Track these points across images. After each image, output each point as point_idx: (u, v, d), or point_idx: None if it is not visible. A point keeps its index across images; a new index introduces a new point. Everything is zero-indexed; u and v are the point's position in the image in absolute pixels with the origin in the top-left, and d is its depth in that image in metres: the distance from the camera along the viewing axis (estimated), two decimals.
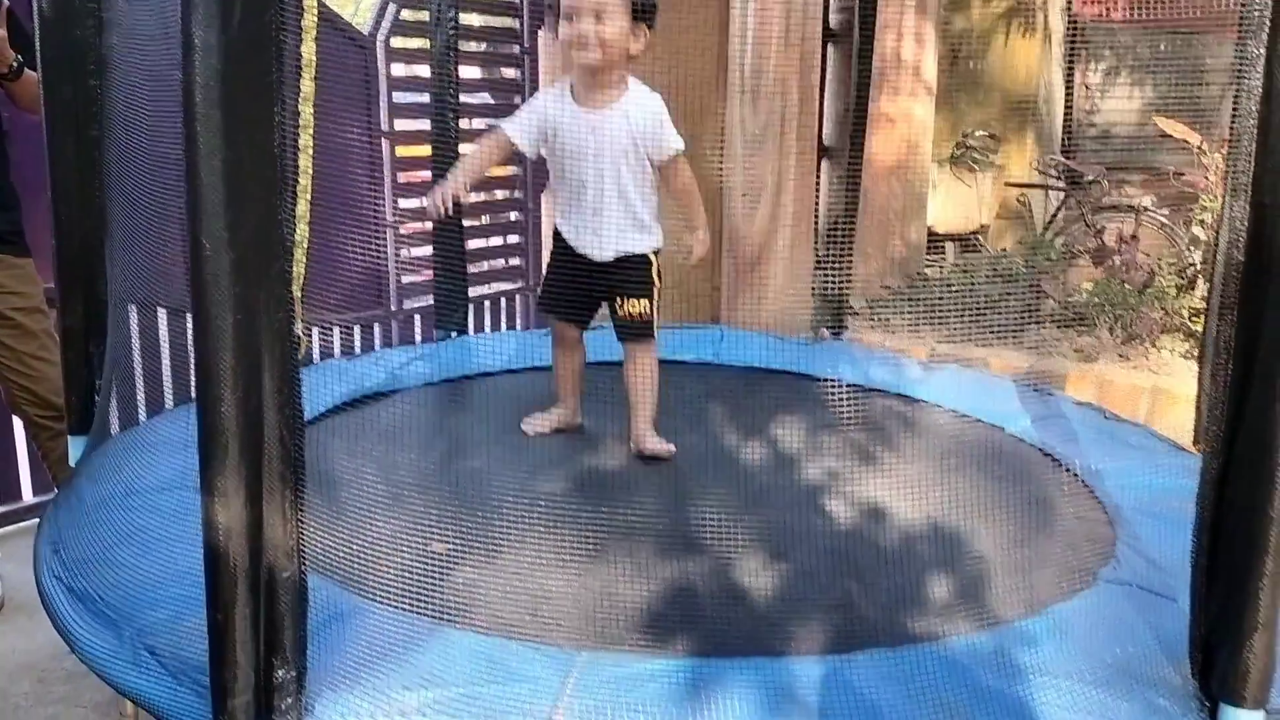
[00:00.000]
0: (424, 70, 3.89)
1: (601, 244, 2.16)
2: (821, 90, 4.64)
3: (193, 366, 1.07)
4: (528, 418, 2.28)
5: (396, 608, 1.41)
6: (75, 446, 1.94)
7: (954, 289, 4.63)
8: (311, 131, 2.41)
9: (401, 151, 4.36)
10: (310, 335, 3.17)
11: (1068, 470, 2.09)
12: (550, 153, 2.21)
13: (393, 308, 4.39)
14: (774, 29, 4.38)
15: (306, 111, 2.39)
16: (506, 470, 1.94)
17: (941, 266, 5.63)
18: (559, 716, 1.23)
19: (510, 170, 5.00)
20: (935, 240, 6.75)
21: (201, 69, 0.99)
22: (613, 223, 2.14)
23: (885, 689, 1.29)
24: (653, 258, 2.20)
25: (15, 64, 2.56)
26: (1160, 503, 1.83)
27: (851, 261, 5.09)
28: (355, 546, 1.47)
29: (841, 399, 2.39)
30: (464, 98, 4.77)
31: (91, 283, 1.90)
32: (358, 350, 4.19)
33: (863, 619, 1.50)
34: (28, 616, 2.81)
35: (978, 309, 4.44)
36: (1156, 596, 1.51)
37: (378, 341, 4.27)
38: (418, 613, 1.40)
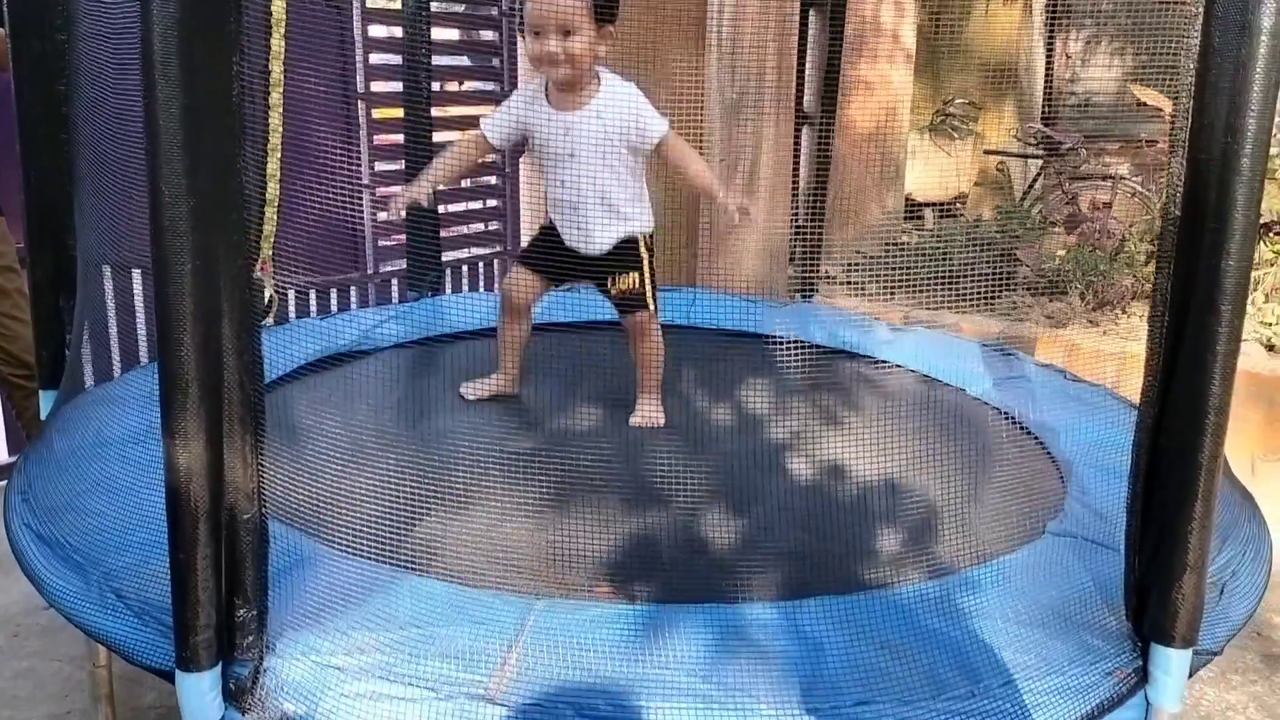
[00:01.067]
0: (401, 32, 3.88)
1: (587, 240, 2.15)
2: (801, 56, 4.65)
3: (154, 312, 1.09)
4: (467, 382, 2.29)
5: (360, 555, 1.44)
6: (46, 401, 1.96)
7: (929, 255, 4.66)
8: (282, 89, 2.43)
9: (379, 114, 4.35)
10: (283, 294, 3.19)
11: (1024, 429, 2.14)
12: (530, 150, 2.21)
13: (369, 270, 4.39)
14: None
15: (276, 69, 2.41)
16: (469, 427, 1.97)
17: (918, 233, 5.67)
18: (514, 657, 1.27)
19: None
20: (914, 207, 6.79)
21: (160, 17, 1.00)
22: (594, 220, 2.14)
23: (831, 632, 1.33)
24: (641, 237, 2.19)
25: None
26: (1111, 458, 1.87)
27: (825, 227, 5.13)
28: (321, 497, 1.50)
29: (808, 360, 2.42)
30: (442, 60, 4.78)
31: (61, 239, 1.92)
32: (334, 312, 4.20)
33: (815, 567, 1.54)
34: (4, 573, 2.84)
35: (951, 275, 4.48)
36: (1100, 547, 1.56)
37: (354, 304, 4.28)
38: (381, 560, 1.43)
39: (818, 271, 4.81)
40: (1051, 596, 1.43)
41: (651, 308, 2.20)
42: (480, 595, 1.38)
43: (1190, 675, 1.33)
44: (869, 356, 2.60)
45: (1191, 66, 1.15)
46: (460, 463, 1.68)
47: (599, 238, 2.15)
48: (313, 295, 4.19)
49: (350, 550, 1.44)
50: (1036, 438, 2.09)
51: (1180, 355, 1.19)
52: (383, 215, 2.05)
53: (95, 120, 1.72)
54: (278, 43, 2.30)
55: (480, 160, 2.32)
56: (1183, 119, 1.17)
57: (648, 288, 2.18)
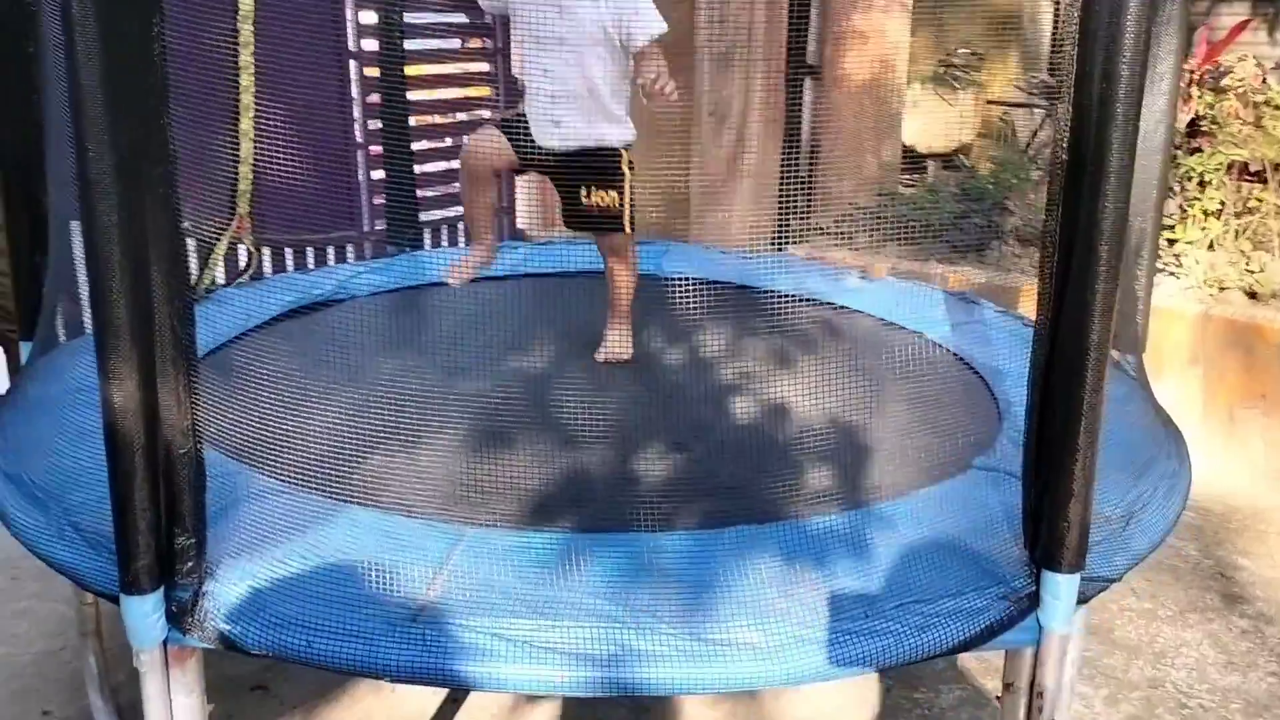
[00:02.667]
0: None
1: (564, 135, 2.05)
2: (794, 6, 4.66)
3: (86, 263, 1.16)
4: (449, 265, 2.26)
5: (300, 488, 1.53)
6: (24, 351, 2.05)
7: (919, 207, 4.69)
8: (252, 50, 2.50)
9: (370, 72, 4.38)
10: (269, 250, 3.27)
11: (972, 370, 2.20)
12: (513, 31, 2.12)
13: (365, 228, 4.46)
14: None
15: (246, 29, 2.48)
16: (422, 366, 2.05)
17: (908, 186, 5.68)
18: (440, 580, 1.35)
19: (485, 91, 5.03)
20: (916, 158, 6.77)
21: None
22: (576, 113, 2.03)
23: (738, 560, 1.41)
24: (624, 151, 2.11)
25: None
26: None
27: (818, 179, 5.16)
28: (264, 435, 1.59)
29: (771, 308, 2.48)
30: (430, 16, 4.80)
31: (34, 195, 1.99)
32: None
33: (738, 500, 1.62)
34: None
35: (941, 226, 4.51)
36: (1019, 481, 1.62)
37: (351, 259, 4.34)
38: (317, 492, 1.52)
39: (806, 224, 4.85)
40: (960, 527, 1.50)
41: (628, 229, 2.13)
42: (413, 525, 1.46)
43: (1085, 601, 1.40)
44: (832, 304, 2.66)
45: (1075, 16, 1.19)
46: (401, 399, 1.77)
47: (580, 133, 2.05)
48: (310, 253, 4.27)
49: (287, 482, 1.53)
50: (983, 378, 2.14)
51: (1066, 294, 1.25)
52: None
53: (55, 82, 1.79)
54: (248, 3, 2.37)
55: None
56: (1068, 66, 1.21)
57: (626, 207, 2.12)
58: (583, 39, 1.98)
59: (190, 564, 1.29)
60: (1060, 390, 1.28)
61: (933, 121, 6.72)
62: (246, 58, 2.39)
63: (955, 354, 2.30)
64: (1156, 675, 2.43)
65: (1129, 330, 2.03)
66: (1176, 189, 4.01)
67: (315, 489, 1.54)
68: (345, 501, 1.52)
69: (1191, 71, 4.24)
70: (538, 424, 1.86)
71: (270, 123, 2.63)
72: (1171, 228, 3.95)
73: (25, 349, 2.07)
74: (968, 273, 4.12)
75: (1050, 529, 1.31)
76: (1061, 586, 1.33)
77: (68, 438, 1.65)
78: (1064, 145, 1.23)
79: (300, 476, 1.55)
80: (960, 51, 6.87)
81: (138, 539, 1.23)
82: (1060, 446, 1.28)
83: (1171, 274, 3.90)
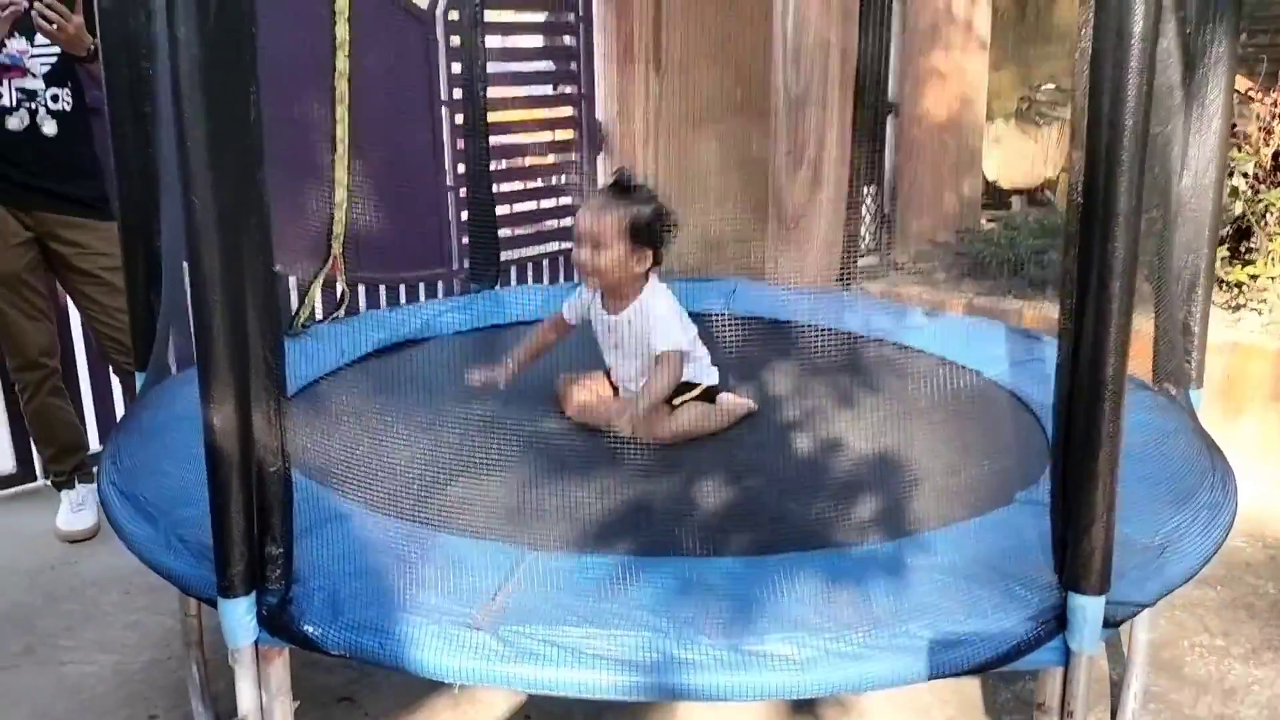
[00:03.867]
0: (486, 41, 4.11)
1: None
2: (865, 47, 4.75)
3: (191, 302, 1.33)
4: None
5: (378, 509, 1.67)
6: (139, 382, 2.25)
7: (994, 243, 4.71)
8: (348, 104, 2.70)
9: (461, 119, 4.60)
10: (357, 289, 3.47)
11: (1026, 407, 2.25)
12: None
13: (454, 267, 4.66)
14: None
15: (341, 86, 2.68)
16: (490, 405, 2.18)
17: (997, 220, 5.68)
18: (502, 595, 1.48)
19: (568, 134, 5.23)
20: (1001, 194, 6.77)
21: (184, 58, 1.24)
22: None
23: (783, 581, 1.50)
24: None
25: (93, 47, 2.88)
26: None
27: (898, 215, 5.21)
28: (354, 462, 1.74)
29: (829, 346, 2.57)
30: (523, 66, 5.03)
31: (150, 241, 2.20)
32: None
33: (792, 528, 1.71)
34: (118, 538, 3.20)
35: (1017, 262, 4.52)
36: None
37: (441, 294, 4.55)
38: (396, 514, 1.66)
39: (884, 261, 4.91)
40: (996, 555, 1.57)
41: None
42: (479, 544, 1.59)
43: (1116, 624, 1.46)
44: (892, 341, 2.72)
45: (1085, 69, 1.28)
46: (469, 432, 1.90)
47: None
48: (402, 290, 4.49)
49: (368, 505, 1.67)
50: (1034, 414, 2.19)
51: (1082, 330, 1.32)
52: (472, 380, 2.27)
53: (166, 138, 1.99)
54: (342, 62, 2.56)
55: (558, 337, 2.47)
56: (1079, 117, 1.30)
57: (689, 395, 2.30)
58: (628, 349, 2.31)
59: (279, 571, 1.44)
60: (1081, 420, 1.34)
61: (1017, 157, 6.72)
62: (341, 111, 2.58)
63: (1010, 390, 2.35)
64: (1225, 712, 2.42)
65: (1177, 363, 2.06)
66: (1257, 225, 3.97)
67: (392, 511, 1.68)
68: (419, 523, 1.65)
69: (1274, 104, 4.20)
70: (600, 455, 1.98)
71: (364, 169, 2.84)
72: (1252, 263, 3.92)
73: (140, 379, 2.27)
74: (1043, 309, 4.13)
75: (1075, 553, 1.38)
76: (1087, 609, 1.39)
77: (175, 459, 1.83)
78: (1077, 189, 1.31)
79: (379, 499, 1.69)
80: (1044, 87, 6.87)
81: (233, 547, 1.39)
82: (1082, 474, 1.35)
83: (1254, 310, 3.86)
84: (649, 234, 2.24)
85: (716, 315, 2.95)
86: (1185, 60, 2.02)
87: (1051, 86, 6.84)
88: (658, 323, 2.25)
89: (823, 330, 2.67)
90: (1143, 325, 2.28)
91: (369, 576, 1.50)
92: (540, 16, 5.14)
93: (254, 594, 1.43)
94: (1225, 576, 2.93)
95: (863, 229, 5.40)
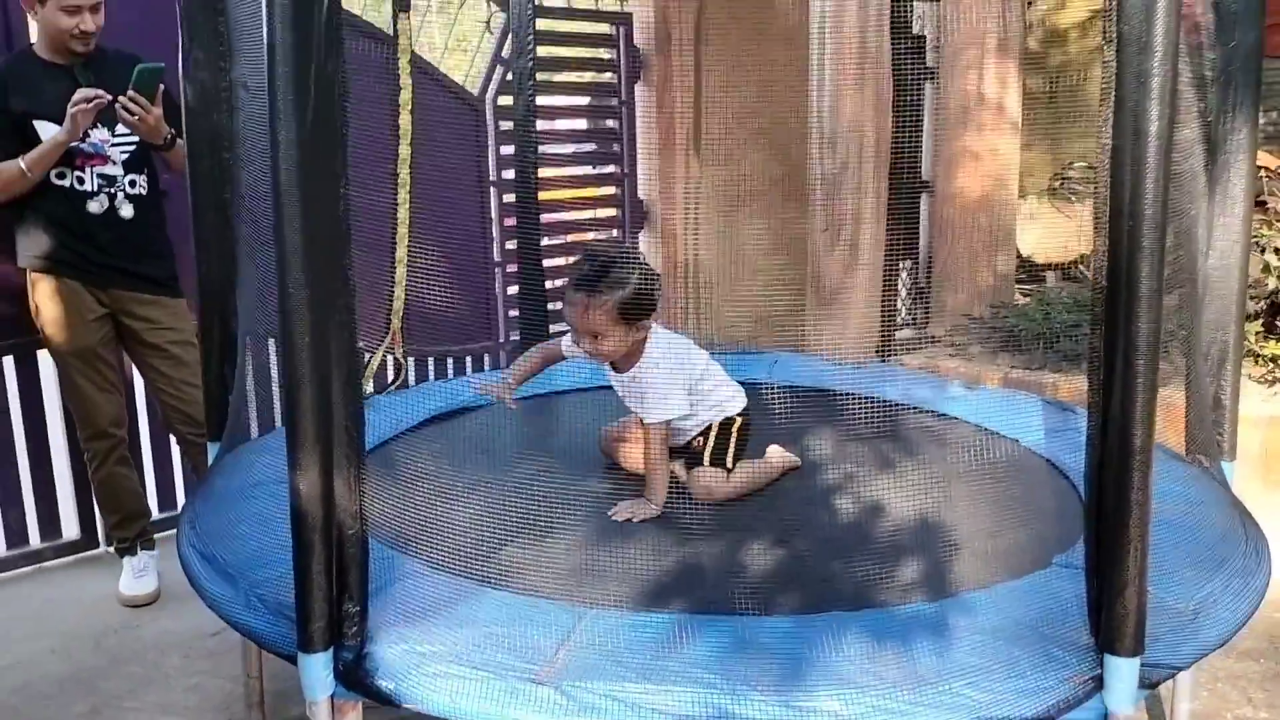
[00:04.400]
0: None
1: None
2: (899, 129, 4.91)
3: (281, 375, 1.45)
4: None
5: (445, 572, 1.77)
6: (212, 451, 2.38)
7: (1030, 318, 4.78)
8: (409, 189, 2.86)
9: (508, 198, 4.79)
10: (416, 360, 3.61)
11: (1063, 475, 2.31)
12: None
13: (501, 339, 4.81)
14: (848, 75, 4.67)
15: (404, 172, 2.85)
16: (542, 470, 2.28)
17: (1033, 295, 5.75)
18: (563, 653, 1.56)
19: (610, 212, 5.41)
20: (1035, 269, 6.84)
21: (284, 158, 1.37)
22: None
23: (830, 640, 1.57)
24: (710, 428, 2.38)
25: (169, 136, 3.07)
26: None
27: (933, 291, 5.31)
28: (415, 522, 1.84)
29: (875, 415, 2.65)
30: (570, 147, 5.23)
31: (225, 318, 2.34)
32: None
33: (840, 588, 1.79)
34: (180, 603, 3.30)
35: (1052, 336, 4.58)
36: None
37: (488, 369, 4.69)
38: (462, 574, 1.75)
39: (921, 334, 5.00)
40: (1036, 617, 1.64)
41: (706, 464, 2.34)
42: (540, 603, 1.68)
43: (1151, 685, 1.52)
44: (934, 411, 2.81)
45: (1106, 163, 1.38)
46: (528, 498, 2.00)
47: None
48: (450, 362, 4.63)
49: (436, 565, 1.77)
50: (1071, 481, 2.26)
51: (1110, 405, 1.41)
52: (474, 388, 2.36)
53: (248, 225, 2.14)
54: (405, 150, 2.73)
55: (556, 359, 2.53)
56: (1101, 206, 1.40)
57: (709, 446, 2.37)
58: (638, 404, 2.35)
59: (355, 628, 1.53)
60: (1111, 488, 1.42)
61: (1050, 233, 6.81)
62: (403, 195, 2.74)
63: (1047, 459, 2.43)
64: None
65: (1209, 436, 2.13)
66: None
67: (458, 571, 1.77)
68: (484, 583, 1.75)
69: None
70: (653, 519, 2.08)
71: (420, 247, 2.99)
72: (1267, 338, 3.96)
73: (212, 449, 2.40)
74: (1078, 382, 4.18)
75: (1109, 616, 1.44)
76: (1122, 670, 1.45)
77: (250, 524, 1.94)
78: (1102, 273, 1.41)
79: (445, 560, 1.79)
80: (1075, 165, 6.97)
81: (314, 604, 1.49)
82: (1115, 539, 1.42)
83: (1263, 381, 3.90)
84: (639, 305, 2.25)
85: (757, 384, 3.06)
86: (1207, 147, 2.12)
87: (1083, 164, 6.94)
88: (650, 390, 2.29)
89: (864, 399, 2.76)
90: (1174, 399, 2.36)
91: (438, 634, 1.59)
92: (585, 100, 5.37)
93: (331, 649, 1.52)
94: (1269, 649, 2.94)
95: (899, 303, 5.52)
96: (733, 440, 2.39)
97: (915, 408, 2.84)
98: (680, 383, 2.33)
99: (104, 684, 2.84)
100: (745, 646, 1.58)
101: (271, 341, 2.31)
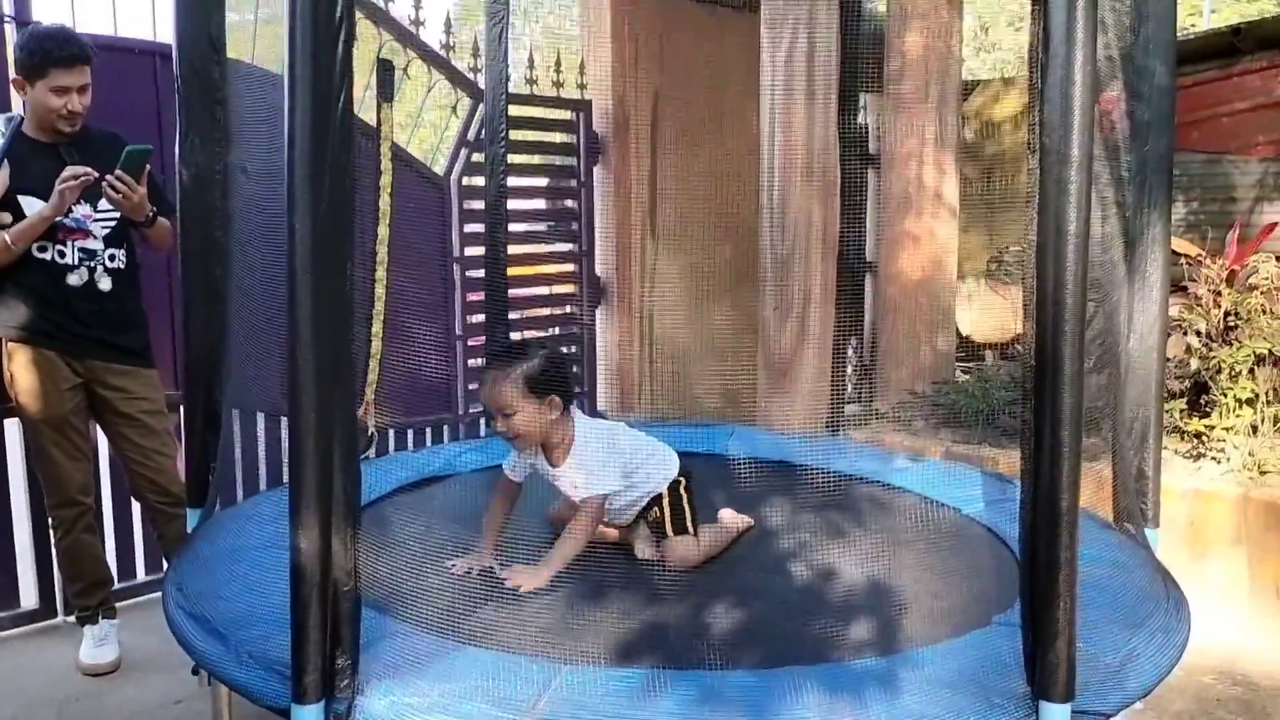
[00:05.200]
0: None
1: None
2: (847, 212, 5.15)
3: (287, 442, 1.56)
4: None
5: (427, 630, 1.87)
6: (192, 517, 2.46)
7: (969, 395, 5.00)
8: (387, 266, 3.00)
9: (470, 273, 4.95)
10: (382, 431, 3.71)
11: (1001, 541, 2.48)
12: None
13: (460, 411, 4.91)
14: (796, 164, 4.92)
15: (382, 251, 2.99)
16: (516, 530, 2.40)
17: (972, 373, 6.00)
18: (542, 703, 1.67)
19: (568, 288, 5.58)
20: (974, 348, 7.13)
21: (299, 245, 1.51)
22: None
23: (793, 695, 1.70)
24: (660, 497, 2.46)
25: (151, 214, 3.19)
26: None
27: (877, 368, 5.53)
28: (402, 586, 1.95)
29: (824, 486, 2.82)
30: (531, 226, 5.42)
31: (210, 388, 2.45)
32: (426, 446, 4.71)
33: (795, 646, 1.92)
34: (143, 673, 3.33)
35: (990, 413, 4.80)
36: None
37: (446, 440, 4.79)
38: (442, 634, 1.86)
39: (866, 409, 5.20)
40: (978, 669, 1.78)
41: (673, 535, 2.42)
42: (520, 659, 1.79)
43: None
44: (880, 482, 2.97)
45: (1032, 256, 1.57)
46: (502, 559, 2.12)
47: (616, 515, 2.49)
48: (410, 433, 4.73)
49: (421, 624, 1.88)
50: (1010, 549, 2.42)
51: (1040, 471, 1.57)
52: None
53: (241, 300, 2.26)
54: (384, 230, 2.88)
55: (513, 497, 2.51)
56: (1029, 295, 1.58)
57: (668, 515, 2.45)
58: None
59: (346, 681, 1.63)
60: (1042, 547, 1.58)
61: (987, 314, 7.11)
62: (381, 273, 2.88)
63: (987, 526, 2.59)
64: None
65: (1134, 505, 2.31)
66: (1212, 380, 4.28)
67: (437, 629, 1.88)
68: (462, 640, 1.85)
69: (1221, 269, 4.57)
70: (622, 580, 2.20)
71: (391, 321, 3.12)
72: (1209, 414, 4.21)
73: (192, 516, 2.48)
74: (1015, 456, 4.37)
75: (1043, 665, 1.59)
76: (1055, 715, 1.59)
77: (234, 585, 2.03)
78: (1030, 353, 1.58)
79: (424, 619, 1.90)
80: (1011, 249, 7.32)
81: (308, 659, 1.58)
82: (1046, 594, 1.58)
83: (1213, 459, 4.13)
84: (547, 382, 2.32)
85: (716, 456, 3.21)
86: (1126, 239, 2.34)
87: (1018, 248, 7.28)
88: (583, 473, 2.37)
89: (817, 470, 2.92)
90: (1104, 471, 2.55)
91: (424, 686, 1.69)
92: (544, 182, 5.57)
93: (324, 702, 1.62)
94: (1198, 712, 3.10)
95: (846, 380, 5.73)
96: (686, 504, 2.50)
97: (863, 478, 3.00)
98: (613, 463, 2.41)
99: None
100: (712, 698, 1.70)
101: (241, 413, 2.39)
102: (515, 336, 3.96)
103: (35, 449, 3.35)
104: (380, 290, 2.88)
